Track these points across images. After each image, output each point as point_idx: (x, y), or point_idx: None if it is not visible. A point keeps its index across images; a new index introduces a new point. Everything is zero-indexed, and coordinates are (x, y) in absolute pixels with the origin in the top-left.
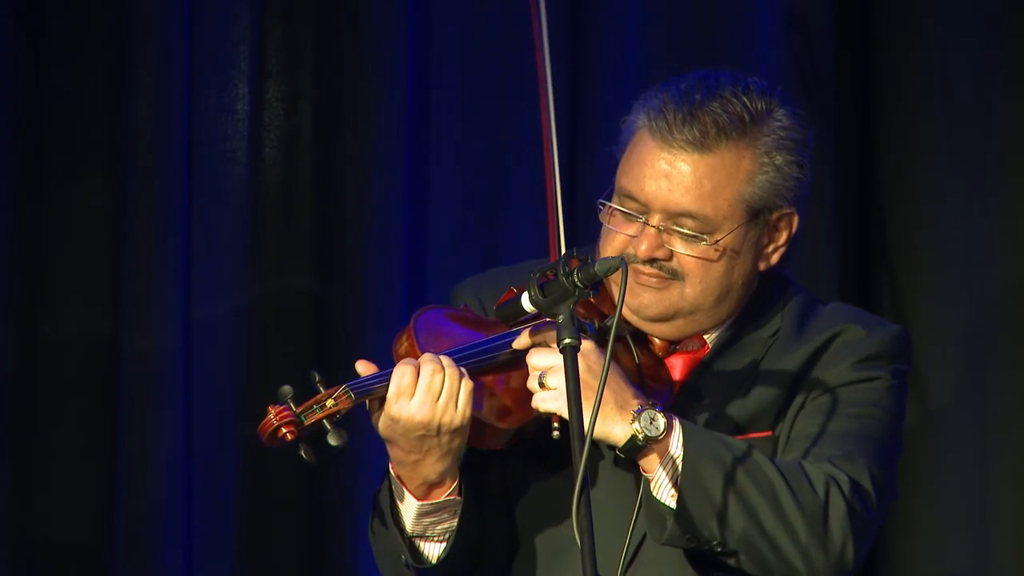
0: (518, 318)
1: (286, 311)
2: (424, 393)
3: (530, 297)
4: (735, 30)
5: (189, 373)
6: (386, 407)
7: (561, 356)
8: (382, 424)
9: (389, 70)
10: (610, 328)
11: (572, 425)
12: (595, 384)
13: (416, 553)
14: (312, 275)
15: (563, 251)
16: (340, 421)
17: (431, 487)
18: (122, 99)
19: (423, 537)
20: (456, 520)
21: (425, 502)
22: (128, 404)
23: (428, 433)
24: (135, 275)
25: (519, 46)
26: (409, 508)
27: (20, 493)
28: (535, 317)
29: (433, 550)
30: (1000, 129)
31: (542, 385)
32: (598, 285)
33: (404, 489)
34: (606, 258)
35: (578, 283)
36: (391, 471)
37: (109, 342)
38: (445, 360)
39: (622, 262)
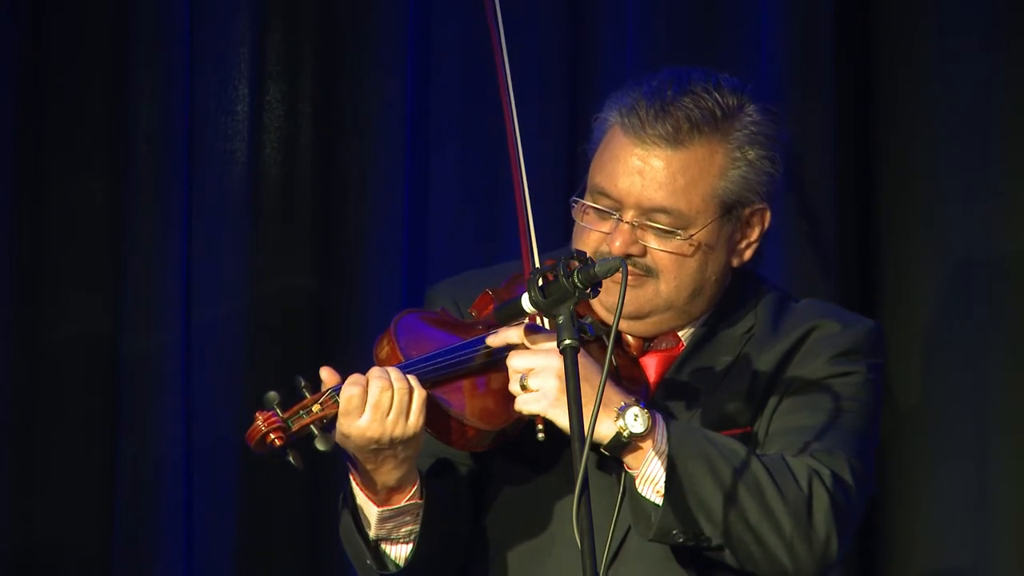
0: (517, 319)
1: (286, 311)
2: (372, 411)
3: (530, 298)
4: (735, 30)
5: (189, 373)
6: (337, 423)
7: (542, 357)
8: (336, 437)
9: (389, 70)
10: (601, 328)
11: (572, 426)
12: (581, 385)
13: (381, 557)
14: (312, 275)
15: (535, 254)
16: (327, 426)
17: (390, 492)
18: (122, 99)
19: (388, 540)
20: (419, 522)
21: (385, 508)
22: (128, 404)
23: (381, 446)
24: (135, 275)
25: (519, 46)
26: (370, 514)
27: (20, 493)
28: (512, 317)
29: (400, 552)
30: (1001, 130)
31: (524, 388)
32: (598, 286)
33: (364, 495)
34: (606, 259)
35: (578, 284)
36: (350, 479)
37: (109, 342)
38: (395, 375)
39: (622, 263)
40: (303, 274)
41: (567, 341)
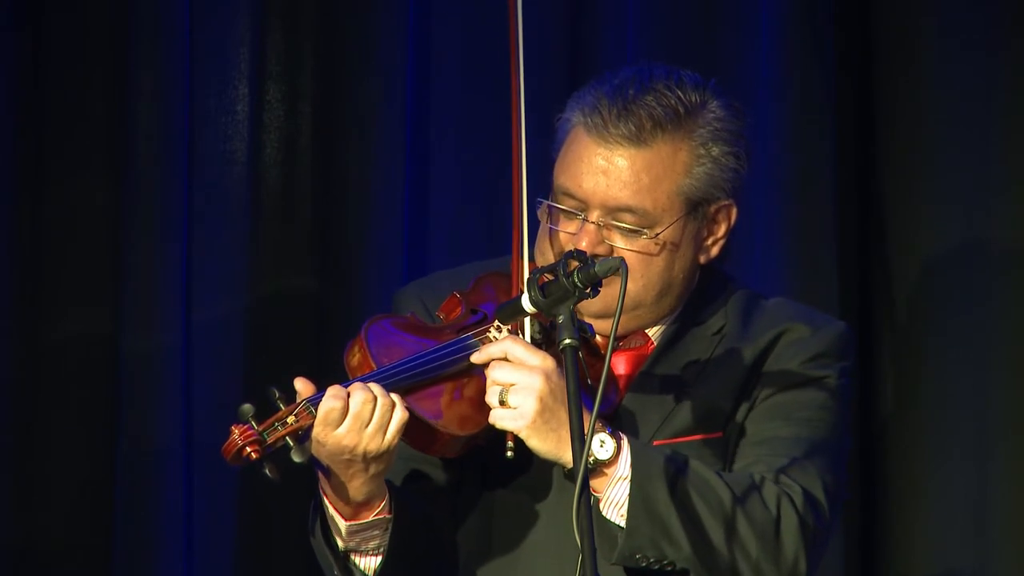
0: (517, 318)
1: (286, 311)
2: (352, 421)
3: (530, 298)
4: (735, 30)
5: (189, 373)
6: (314, 432)
7: (526, 375)
8: (310, 446)
9: (389, 70)
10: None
11: (572, 426)
12: (556, 408)
13: (350, 568)
14: (312, 275)
15: (524, 252)
16: (301, 437)
17: (358, 508)
18: (122, 99)
19: (357, 552)
20: (387, 535)
21: (353, 522)
22: (128, 404)
23: (354, 457)
24: (135, 275)
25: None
26: (339, 527)
27: (20, 492)
28: (481, 321)
29: (369, 563)
30: (1001, 130)
31: (502, 402)
32: (598, 286)
33: (333, 508)
34: (606, 259)
35: (578, 283)
36: (320, 491)
37: (109, 342)
38: (379, 391)
39: (622, 263)
40: (303, 274)
41: (567, 341)
